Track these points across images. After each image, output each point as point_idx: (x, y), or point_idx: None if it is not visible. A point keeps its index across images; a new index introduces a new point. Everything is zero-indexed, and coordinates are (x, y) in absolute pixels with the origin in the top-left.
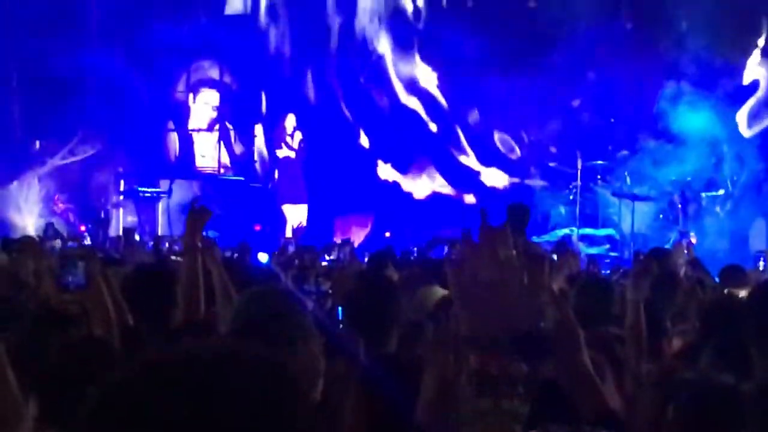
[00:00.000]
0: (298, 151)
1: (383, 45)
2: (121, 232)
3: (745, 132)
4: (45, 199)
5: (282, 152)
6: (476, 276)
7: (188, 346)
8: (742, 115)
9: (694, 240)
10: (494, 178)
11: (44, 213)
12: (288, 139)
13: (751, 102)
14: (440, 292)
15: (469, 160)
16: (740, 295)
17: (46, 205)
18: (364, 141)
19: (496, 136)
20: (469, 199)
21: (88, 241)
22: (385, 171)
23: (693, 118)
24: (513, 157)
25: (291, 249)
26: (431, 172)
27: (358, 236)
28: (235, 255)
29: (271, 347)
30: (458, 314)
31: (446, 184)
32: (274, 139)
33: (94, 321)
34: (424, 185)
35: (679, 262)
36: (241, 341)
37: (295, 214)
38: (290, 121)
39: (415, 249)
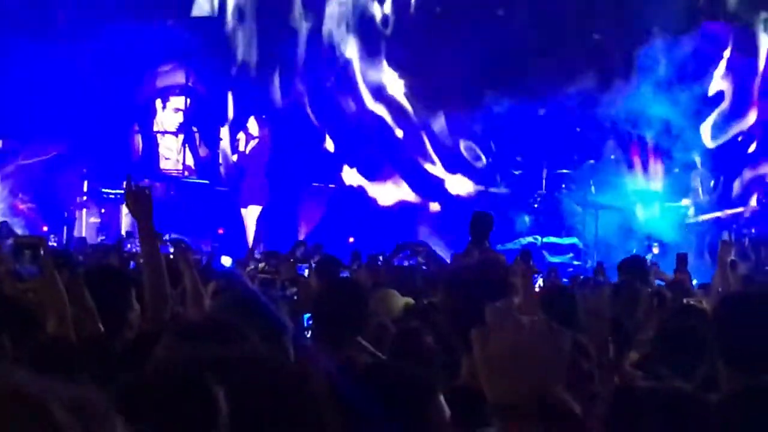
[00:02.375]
0: (252, 154)
1: (350, 50)
2: (84, 233)
3: (709, 143)
4: (7, 198)
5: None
6: (503, 342)
7: (214, 348)
8: (706, 127)
9: (656, 250)
10: (459, 185)
11: (6, 213)
12: (252, 142)
13: (715, 114)
14: (402, 298)
15: (435, 168)
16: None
17: (8, 205)
18: (330, 145)
19: (462, 144)
20: (434, 206)
21: (53, 243)
22: (351, 176)
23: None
24: (479, 165)
25: (258, 254)
26: (397, 179)
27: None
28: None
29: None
30: (483, 380)
31: (411, 191)
32: (237, 142)
33: (49, 310)
34: (389, 192)
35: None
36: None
37: (251, 216)
38: (252, 124)
39: (381, 257)
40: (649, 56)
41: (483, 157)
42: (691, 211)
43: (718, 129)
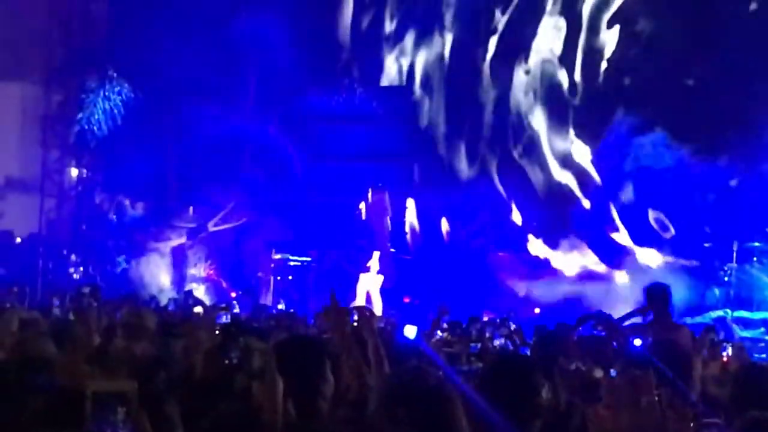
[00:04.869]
0: (370, 223)
1: (538, 120)
2: (270, 301)
3: None
4: (196, 265)
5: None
6: (621, 418)
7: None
8: None
9: None
10: (647, 256)
11: (194, 278)
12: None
13: None
14: None
15: (621, 236)
16: None
17: (197, 271)
18: (517, 217)
19: (651, 214)
20: (621, 277)
21: (236, 310)
22: (536, 246)
23: None
24: (667, 236)
25: (444, 323)
26: (582, 248)
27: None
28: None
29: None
30: None
31: (598, 261)
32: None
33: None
34: (574, 261)
35: None
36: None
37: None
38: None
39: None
40: None
41: (671, 228)
42: None
43: None
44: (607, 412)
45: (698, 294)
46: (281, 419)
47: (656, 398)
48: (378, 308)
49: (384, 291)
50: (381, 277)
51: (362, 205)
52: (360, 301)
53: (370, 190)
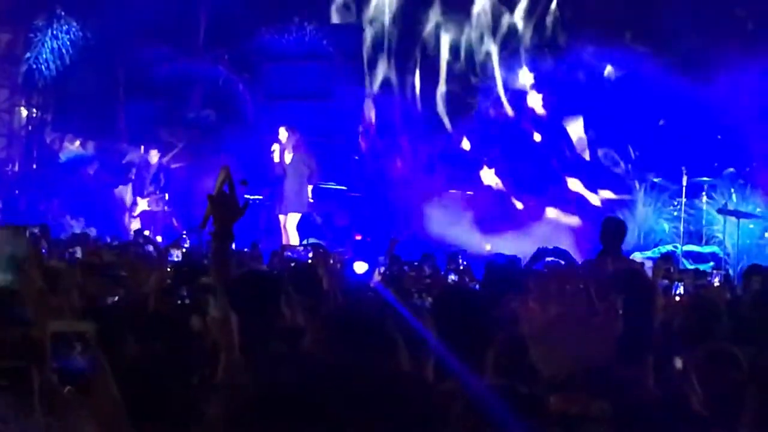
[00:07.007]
0: (289, 162)
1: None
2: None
3: None
4: (148, 203)
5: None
6: (547, 314)
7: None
8: None
9: None
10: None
11: (147, 216)
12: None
13: None
14: None
15: (574, 183)
16: None
17: (149, 207)
18: (466, 145)
19: (600, 152)
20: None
21: (187, 244)
22: (489, 177)
23: None
24: (617, 171)
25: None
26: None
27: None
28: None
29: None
30: (533, 355)
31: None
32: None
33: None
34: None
35: None
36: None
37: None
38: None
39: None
40: None
41: (622, 164)
42: None
43: None
44: (536, 304)
45: (648, 228)
46: (238, 354)
47: (581, 287)
48: (294, 242)
49: (338, 228)
50: (298, 215)
51: (275, 147)
52: (284, 238)
53: (283, 128)
